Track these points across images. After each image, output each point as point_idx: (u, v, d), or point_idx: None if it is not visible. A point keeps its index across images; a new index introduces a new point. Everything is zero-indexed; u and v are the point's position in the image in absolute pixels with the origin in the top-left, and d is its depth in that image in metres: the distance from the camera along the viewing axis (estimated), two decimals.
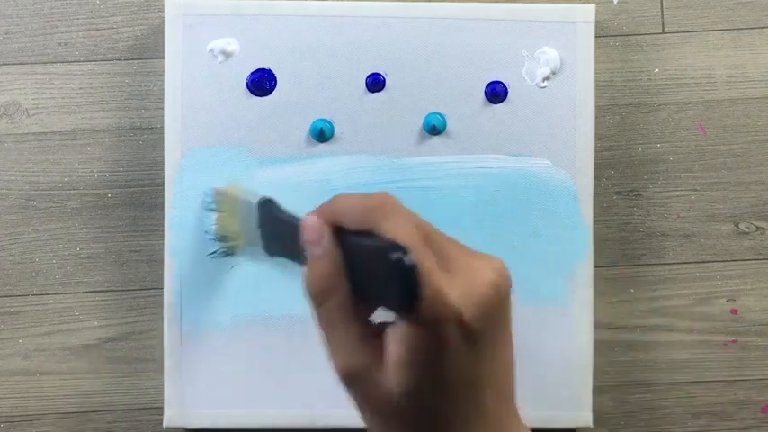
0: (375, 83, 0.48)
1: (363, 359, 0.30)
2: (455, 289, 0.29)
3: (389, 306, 0.30)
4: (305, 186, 0.48)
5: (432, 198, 0.48)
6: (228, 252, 0.47)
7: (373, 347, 0.30)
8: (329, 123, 0.48)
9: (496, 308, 0.31)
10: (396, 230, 0.30)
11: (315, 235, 0.32)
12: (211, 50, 0.48)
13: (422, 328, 0.29)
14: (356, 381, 0.31)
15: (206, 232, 0.47)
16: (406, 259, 0.28)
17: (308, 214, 0.32)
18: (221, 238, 0.46)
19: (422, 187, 0.48)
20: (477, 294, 0.30)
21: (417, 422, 0.31)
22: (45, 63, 0.51)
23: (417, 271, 0.28)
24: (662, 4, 0.51)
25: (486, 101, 0.48)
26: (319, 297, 0.31)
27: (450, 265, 0.30)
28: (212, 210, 0.46)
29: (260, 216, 0.41)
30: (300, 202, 0.48)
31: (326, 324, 0.31)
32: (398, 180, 0.48)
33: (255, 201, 0.42)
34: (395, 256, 0.29)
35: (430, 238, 0.31)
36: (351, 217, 0.32)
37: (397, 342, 0.30)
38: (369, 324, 0.31)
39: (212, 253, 0.47)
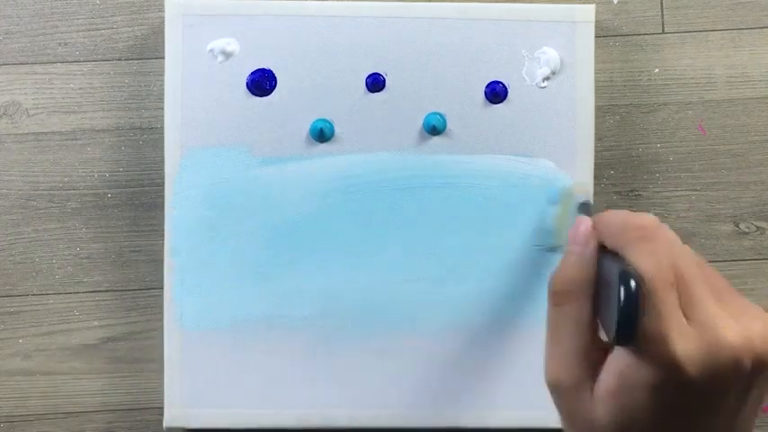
0: (375, 83, 0.48)
1: (576, 376, 0.29)
2: (686, 341, 0.27)
3: (609, 333, 0.28)
4: (305, 186, 0.48)
5: (431, 198, 0.48)
6: (552, 249, 0.47)
7: (591, 368, 0.29)
8: (329, 123, 0.48)
9: (731, 378, 0.27)
10: (642, 259, 0.28)
11: (581, 236, 0.30)
12: (211, 50, 0.48)
13: (636, 369, 0.27)
14: (562, 393, 0.30)
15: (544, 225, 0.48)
16: (629, 290, 0.26)
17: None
18: (554, 234, 0.47)
19: (422, 186, 0.48)
20: (710, 356, 0.27)
21: None
22: (45, 63, 0.51)
23: (640, 305, 0.26)
24: (662, 4, 0.51)
25: (486, 101, 0.48)
26: (559, 297, 0.30)
27: (696, 313, 0.28)
28: (556, 203, 0.47)
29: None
30: (300, 203, 0.48)
31: (555, 327, 0.30)
32: (398, 180, 0.48)
33: (577, 202, 0.43)
34: (623, 282, 0.27)
35: (685, 279, 0.28)
36: (609, 232, 0.30)
37: (611, 373, 0.28)
38: (596, 342, 0.29)
39: (538, 245, 0.48)
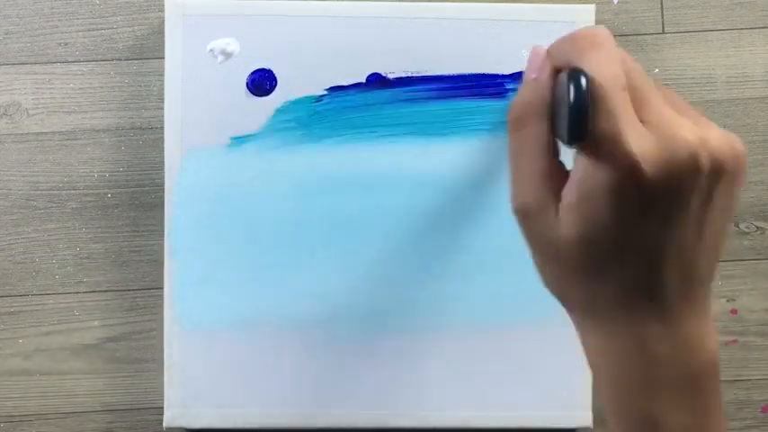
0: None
1: (540, 197, 0.29)
2: (641, 139, 0.26)
3: (564, 137, 0.27)
4: (305, 186, 0.48)
5: (431, 198, 0.48)
6: None
7: (554, 188, 0.28)
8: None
9: (689, 178, 0.27)
10: (597, 64, 0.27)
11: (535, 63, 0.30)
12: (211, 50, 0.48)
13: (594, 173, 0.27)
14: (527, 217, 0.29)
15: None
16: (578, 86, 0.26)
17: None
18: None
19: (426, 185, 0.48)
20: (666, 152, 0.26)
21: (580, 274, 0.29)
22: (45, 63, 0.51)
23: (594, 98, 0.26)
24: (662, 4, 0.51)
25: None
26: (516, 122, 0.30)
27: (651, 117, 0.27)
28: None
29: None
30: (300, 203, 0.48)
31: (515, 153, 0.30)
32: (399, 179, 0.48)
33: None
34: (572, 81, 0.26)
35: (638, 85, 0.28)
36: (561, 52, 0.29)
37: (572, 186, 0.28)
38: (557, 165, 0.29)
39: None
